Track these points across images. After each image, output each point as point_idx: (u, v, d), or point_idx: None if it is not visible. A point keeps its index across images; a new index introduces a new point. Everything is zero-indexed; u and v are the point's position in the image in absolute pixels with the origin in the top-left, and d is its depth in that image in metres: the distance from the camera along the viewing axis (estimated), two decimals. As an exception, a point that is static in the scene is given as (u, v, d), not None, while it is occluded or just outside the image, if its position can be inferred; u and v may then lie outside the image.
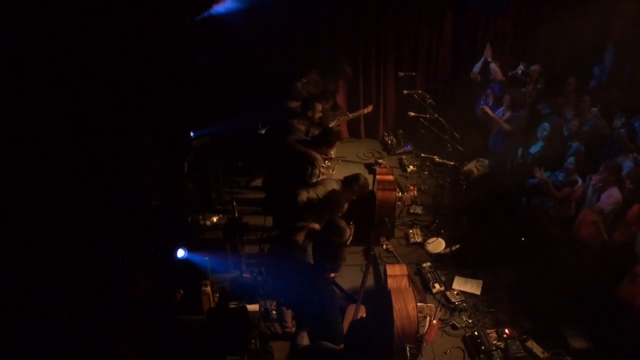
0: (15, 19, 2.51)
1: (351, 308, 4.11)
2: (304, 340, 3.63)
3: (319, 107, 6.22)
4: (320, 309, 3.79)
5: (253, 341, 4.56)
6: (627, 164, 5.39)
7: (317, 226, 4.59)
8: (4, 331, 2.44)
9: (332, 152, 6.90)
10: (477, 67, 7.31)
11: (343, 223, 4.38)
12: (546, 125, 6.27)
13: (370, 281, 5.28)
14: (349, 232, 4.44)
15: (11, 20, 2.49)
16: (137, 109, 4.56)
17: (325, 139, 5.68)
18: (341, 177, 5.43)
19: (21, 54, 2.58)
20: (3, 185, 2.49)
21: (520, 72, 7.16)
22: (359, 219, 5.69)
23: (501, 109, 6.83)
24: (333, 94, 7.13)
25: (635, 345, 4.50)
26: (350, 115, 7.49)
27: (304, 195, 4.91)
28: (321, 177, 5.69)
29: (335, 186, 5.11)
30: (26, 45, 2.64)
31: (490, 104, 6.99)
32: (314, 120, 6.23)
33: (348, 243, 4.60)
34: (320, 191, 5.03)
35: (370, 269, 4.91)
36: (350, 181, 5.14)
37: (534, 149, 6.35)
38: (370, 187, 5.50)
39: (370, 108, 7.55)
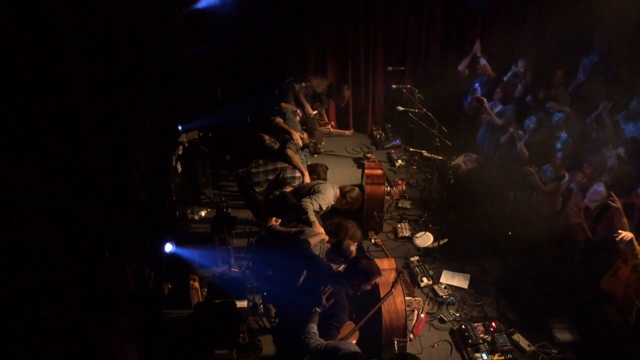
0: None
1: (347, 326, 3.96)
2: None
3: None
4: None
5: (241, 335, 4.56)
6: (611, 160, 5.45)
7: (325, 237, 4.70)
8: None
9: (321, 148, 6.93)
10: (464, 62, 7.34)
11: (352, 247, 4.47)
12: (533, 118, 6.33)
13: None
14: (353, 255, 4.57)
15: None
16: (124, 102, 4.50)
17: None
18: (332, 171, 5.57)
19: (4, 46, 2.53)
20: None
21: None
22: (348, 214, 5.72)
23: (490, 103, 6.86)
24: (326, 105, 7.39)
25: (618, 336, 4.59)
26: (332, 130, 7.61)
27: (311, 211, 4.92)
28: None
29: (332, 192, 5.27)
30: (9, 38, 2.58)
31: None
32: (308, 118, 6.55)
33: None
34: (322, 200, 5.08)
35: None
36: (346, 192, 5.42)
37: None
38: (361, 200, 5.64)
39: (351, 131, 7.95)
